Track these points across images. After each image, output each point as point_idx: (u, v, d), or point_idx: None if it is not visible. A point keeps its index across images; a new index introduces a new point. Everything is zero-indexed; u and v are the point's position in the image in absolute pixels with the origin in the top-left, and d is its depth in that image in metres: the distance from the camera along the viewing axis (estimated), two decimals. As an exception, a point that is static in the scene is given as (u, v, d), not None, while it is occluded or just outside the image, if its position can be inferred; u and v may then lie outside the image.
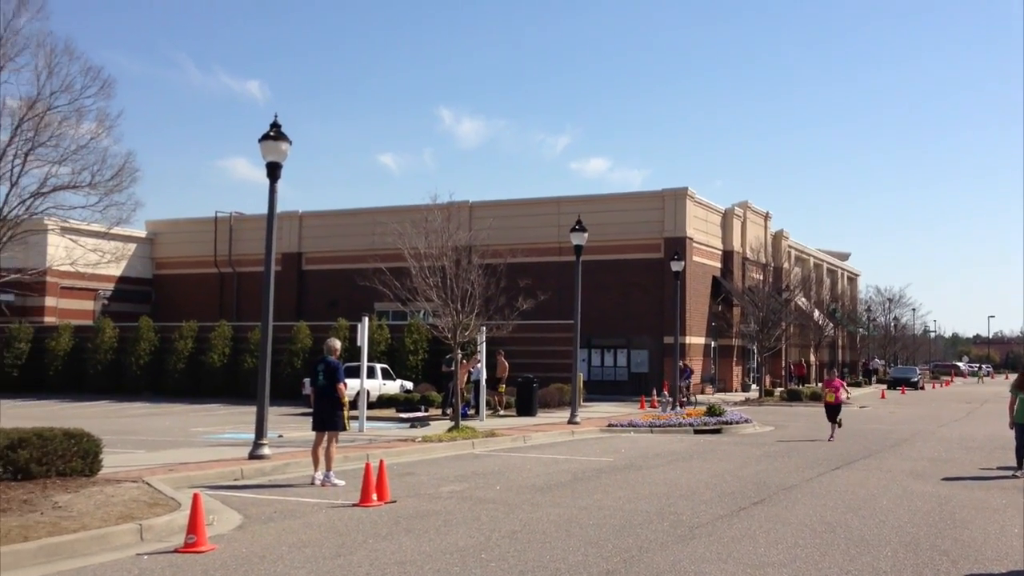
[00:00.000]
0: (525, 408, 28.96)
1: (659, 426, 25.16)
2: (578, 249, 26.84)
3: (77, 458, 12.37)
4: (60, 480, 11.96)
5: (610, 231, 42.94)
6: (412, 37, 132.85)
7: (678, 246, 41.16)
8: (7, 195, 11.11)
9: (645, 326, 43.01)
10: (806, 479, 15.24)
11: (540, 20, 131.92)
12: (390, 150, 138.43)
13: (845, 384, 26.69)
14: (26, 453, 11.83)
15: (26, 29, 10.93)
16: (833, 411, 23.48)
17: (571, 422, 25.43)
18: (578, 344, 27.84)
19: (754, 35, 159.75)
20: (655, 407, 34.03)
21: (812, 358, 60.22)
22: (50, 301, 45.82)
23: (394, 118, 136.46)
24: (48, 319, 45.33)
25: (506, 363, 30.84)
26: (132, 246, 49.68)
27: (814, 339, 57.14)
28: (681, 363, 37.07)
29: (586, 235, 26.86)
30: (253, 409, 30.83)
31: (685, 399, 35.59)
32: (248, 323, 42.71)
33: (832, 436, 23.02)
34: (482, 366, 27.33)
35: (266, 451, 16.13)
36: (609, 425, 25.38)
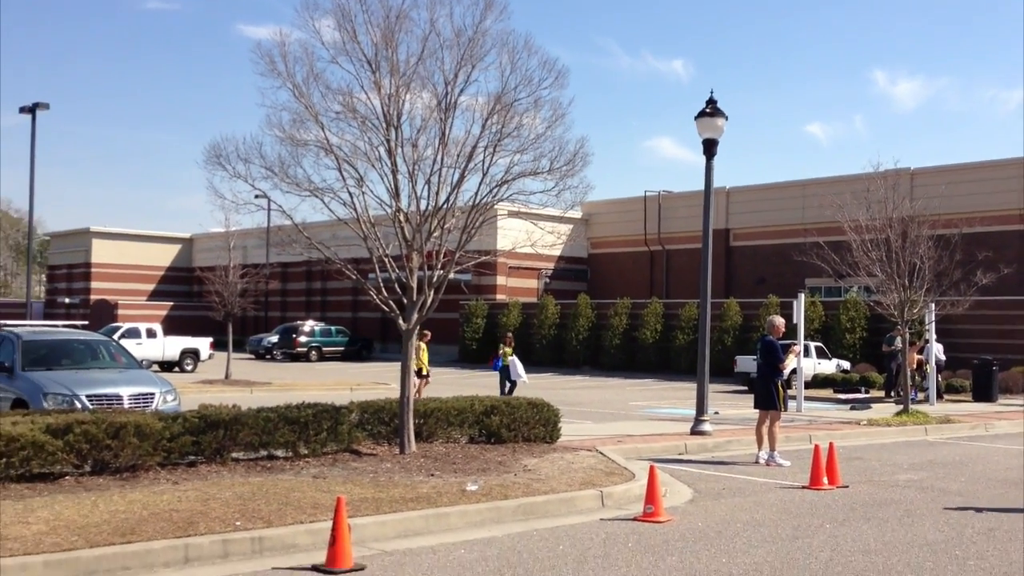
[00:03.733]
0: (982, 393, 26.28)
1: None
2: (1049, 215, 23.70)
3: (539, 425, 13.43)
4: (525, 445, 13.07)
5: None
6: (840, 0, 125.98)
7: None
8: (479, 185, 12.30)
9: None
10: None
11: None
12: (817, 119, 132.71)
13: None
14: (497, 419, 13.09)
15: (492, 30, 11.95)
16: None
17: (1041, 411, 22.60)
18: (1048, 323, 24.64)
19: None
20: None
21: None
22: (500, 280, 50.34)
23: (821, 85, 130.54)
24: (499, 297, 49.84)
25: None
26: (570, 227, 52.97)
27: None
28: None
29: (1059, 199, 23.62)
30: (684, 385, 31.42)
31: None
32: (678, 300, 43.54)
33: None
34: (931, 345, 25.26)
35: (707, 427, 16.29)
36: (1091, 416, 22.16)
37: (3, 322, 19.06)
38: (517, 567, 7.47)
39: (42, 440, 9.49)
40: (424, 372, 22.80)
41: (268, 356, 48.36)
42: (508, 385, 23.58)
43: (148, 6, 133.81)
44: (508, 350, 24.03)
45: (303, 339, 47.97)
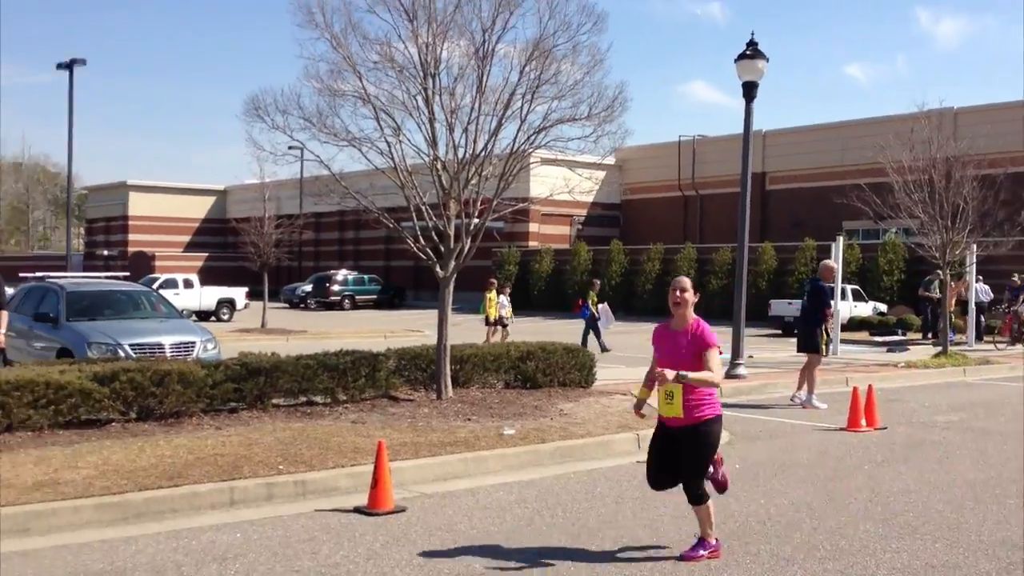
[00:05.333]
0: (1022, 335, 25.94)
1: None
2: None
3: (575, 370, 13.49)
4: (561, 390, 13.14)
5: None
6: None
7: None
8: (516, 132, 12.20)
9: None
10: None
11: None
12: (857, 60, 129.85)
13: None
14: (532, 364, 13.15)
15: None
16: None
17: (1085, 352, 22.30)
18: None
19: None
20: None
21: None
22: (533, 227, 50.22)
23: (862, 25, 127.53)
24: (531, 243, 49.77)
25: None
26: (603, 173, 52.52)
27: None
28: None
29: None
30: (719, 329, 31.07)
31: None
32: (711, 245, 43.22)
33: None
34: (972, 287, 24.91)
35: (742, 371, 16.27)
36: None
37: (46, 274, 19.37)
38: (555, 508, 7.55)
39: (89, 388, 9.69)
40: (506, 322, 22.82)
41: (302, 305, 48.81)
42: (593, 334, 22.34)
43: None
44: (595, 296, 23.12)
45: (336, 288, 48.32)
